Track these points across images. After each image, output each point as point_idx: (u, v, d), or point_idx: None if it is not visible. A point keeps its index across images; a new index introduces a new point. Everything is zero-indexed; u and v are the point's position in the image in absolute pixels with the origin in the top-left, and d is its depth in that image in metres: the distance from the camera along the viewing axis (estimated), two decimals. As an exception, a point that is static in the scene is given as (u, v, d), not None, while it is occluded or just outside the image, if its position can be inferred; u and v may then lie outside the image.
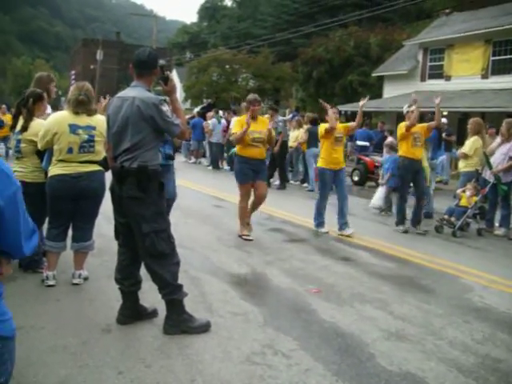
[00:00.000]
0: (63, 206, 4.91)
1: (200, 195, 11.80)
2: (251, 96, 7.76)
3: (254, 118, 7.54)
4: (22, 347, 3.68)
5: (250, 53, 40.48)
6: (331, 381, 3.48)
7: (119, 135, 4.02)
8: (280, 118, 14.25)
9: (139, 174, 3.94)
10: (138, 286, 4.30)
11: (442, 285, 5.85)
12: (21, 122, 5.15)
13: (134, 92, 4.01)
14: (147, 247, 4.01)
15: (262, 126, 7.68)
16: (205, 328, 4.17)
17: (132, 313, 4.27)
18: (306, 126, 13.76)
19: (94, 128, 4.88)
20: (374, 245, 7.58)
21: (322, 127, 8.27)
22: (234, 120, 10.60)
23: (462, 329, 4.56)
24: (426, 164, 9.41)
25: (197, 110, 24.81)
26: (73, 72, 73.81)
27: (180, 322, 4.12)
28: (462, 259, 7.02)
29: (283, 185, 13.92)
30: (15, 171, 5.16)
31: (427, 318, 4.76)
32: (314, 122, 13.40)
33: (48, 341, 3.85)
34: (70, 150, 4.81)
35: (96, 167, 4.94)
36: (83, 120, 4.84)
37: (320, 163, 8.47)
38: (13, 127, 5.26)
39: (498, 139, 9.39)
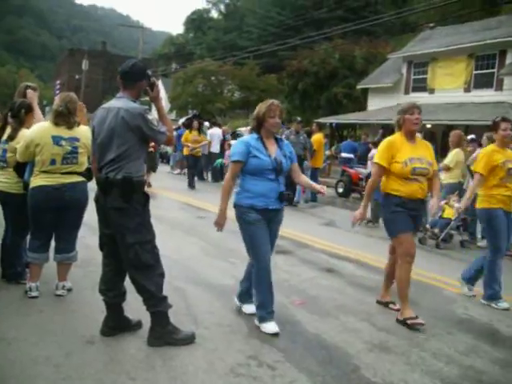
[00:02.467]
0: (45, 217, 4.85)
1: (184, 206, 11.78)
2: (410, 104, 5.20)
3: (410, 137, 5.13)
4: (5, 360, 3.66)
5: (235, 64, 40.66)
6: (316, 392, 3.48)
7: (104, 146, 4.00)
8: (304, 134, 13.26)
9: (124, 184, 3.93)
10: (123, 297, 4.28)
11: (425, 296, 5.89)
12: (7, 131, 5.13)
13: (119, 103, 4.01)
14: (131, 258, 3.99)
15: (425, 151, 5.19)
16: (190, 340, 4.16)
17: (116, 324, 4.24)
18: None
19: (77, 140, 4.84)
20: (359, 256, 7.61)
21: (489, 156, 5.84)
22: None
23: (446, 340, 4.59)
24: None
25: (182, 120, 24.83)
26: (58, 82, 73.38)
27: (164, 334, 4.10)
28: (445, 271, 7.08)
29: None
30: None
31: (411, 330, 4.78)
32: (308, 135, 13.49)
33: (30, 353, 3.81)
34: (53, 162, 4.77)
35: (79, 178, 4.91)
36: (66, 131, 4.80)
37: (485, 203, 5.88)
38: None
39: (478, 150, 9.48)
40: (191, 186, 15.27)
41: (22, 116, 5.12)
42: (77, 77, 54.59)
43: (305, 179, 4.99)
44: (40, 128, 4.85)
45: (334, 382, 3.66)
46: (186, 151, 16.18)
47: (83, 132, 4.89)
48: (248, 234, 4.60)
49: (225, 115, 38.29)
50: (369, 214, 10.56)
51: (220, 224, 4.64)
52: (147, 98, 4.22)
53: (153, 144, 12.81)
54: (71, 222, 5.03)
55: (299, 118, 13.90)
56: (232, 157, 4.57)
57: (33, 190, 4.81)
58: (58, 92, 69.57)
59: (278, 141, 4.66)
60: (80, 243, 5.31)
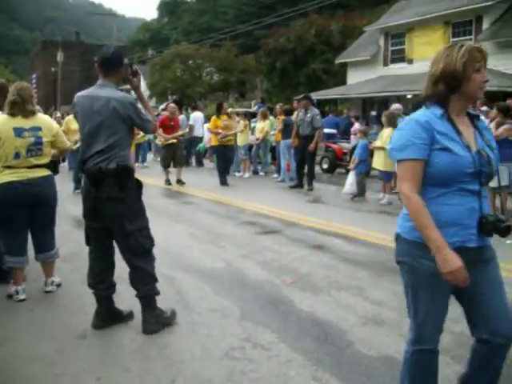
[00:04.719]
0: (16, 215, 4.63)
1: (169, 193, 11.73)
2: None
3: None
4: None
5: (212, 47, 40.34)
6: (311, 370, 3.48)
7: (91, 137, 3.94)
8: (316, 110, 12.33)
9: (118, 173, 3.90)
10: (113, 289, 4.25)
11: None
12: None
13: (105, 92, 3.93)
14: (132, 245, 3.99)
15: None
16: (174, 315, 4.28)
17: (107, 316, 4.21)
18: (280, 117, 13.70)
19: (40, 129, 4.65)
20: (347, 231, 7.62)
21: None
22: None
23: (438, 309, 4.60)
24: None
25: (162, 107, 24.62)
26: (34, 75, 72.43)
27: (158, 317, 4.13)
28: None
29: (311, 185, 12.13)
30: None
31: (403, 301, 4.74)
32: (288, 113, 13.42)
33: (24, 352, 3.77)
34: (17, 155, 4.55)
35: (46, 172, 4.74)
36: (26, 122, 4.60)
37: None
38: None
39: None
40: (224, 182, 12.66)
41: None
42: (53, 69, 53.73)
43: None
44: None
45: (329, 358, 3.67)
46: (214, 140, 13.17)
47: (46, 122, 4.73)
48: (416, 291, 2.65)
49: (205, 99, 38.04)
50: (355, 189, 10.59)
51: (455, 276, 2.41)
52: (127, 86, 4.17)
53: (176, 134, 12.63)
54: (45, 220, 4.85)
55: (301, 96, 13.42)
56: (400, 152, 2.52)
57: (0, 188, 4.57)
58: (34, 86, 68.64)
59: (472, 119, 2.67)
60: (66, 237, 5.29)
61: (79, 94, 4.13)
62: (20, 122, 4.58)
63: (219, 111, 13.27)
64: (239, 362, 3.60)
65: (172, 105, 13.48)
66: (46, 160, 4.74)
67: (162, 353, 3.76)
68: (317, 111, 12.20)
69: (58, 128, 4.93)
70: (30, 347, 3.85)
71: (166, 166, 12.76)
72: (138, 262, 4.07)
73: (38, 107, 8.16)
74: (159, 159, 16.91)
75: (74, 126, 10.47)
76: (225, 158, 13.06)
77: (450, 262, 2.37)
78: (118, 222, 3.96)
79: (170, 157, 12.60)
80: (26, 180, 4.58)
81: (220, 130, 12.84)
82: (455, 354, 3.71)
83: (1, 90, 5.33)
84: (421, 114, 2.57)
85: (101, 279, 4.17)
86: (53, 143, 4.78)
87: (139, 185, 4.09)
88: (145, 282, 4.10)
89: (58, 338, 4.00)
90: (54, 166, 4.87)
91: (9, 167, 4.57)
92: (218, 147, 12.96)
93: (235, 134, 13.80)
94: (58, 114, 17.80)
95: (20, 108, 4.57)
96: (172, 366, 3.54)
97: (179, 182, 12.57)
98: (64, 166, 13.53)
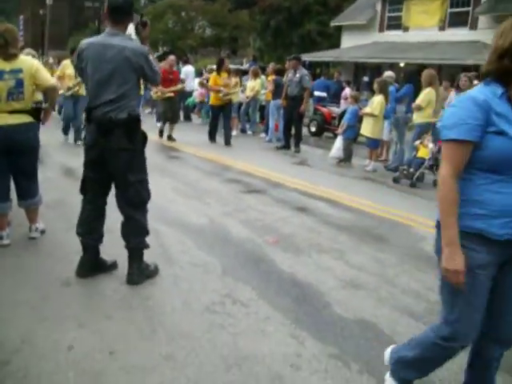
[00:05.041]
0: None
1: (158, 147, 11.68)
2: None
3: None
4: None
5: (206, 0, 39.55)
6: (290, 328, 3.58)
7: (101, 85, 3.90)
8: (305, 71, 12.30)
9: (128, 123, 3.93)
10: (101, 239, 4.31)
11: (396, 234, 6.02)
12: None
13: (118, 40, 3.89)
14: (131, 196, 4.06)
15: None
16: (157, 270, 4.39)
17: (92, 266, 4.26)
18: (271, 77, 13.59)
19: (21, 71, 4.52)
20: (332, 195, 7.70)
21: None
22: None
23: (415, 277, 4.73)
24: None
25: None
26: (21, 17, 70.65)
27: (143, 270, 4.22)
28: (416, 210, 7.21)
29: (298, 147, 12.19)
30: None
31: (382, 267, 4.91)
32: (279, 73, 13.33)
33: (8, 296, 3.82)
34: None
35: (28, 118, 4.64)
36: (6, 64, 4.47)
37: None
38: None
39: (453, 92, 9.55)
40: (213, 139, 12.65)
41: None
42: (41, 12, 52.32)
43: None
44: None
45: (306, 317, 3.77)
46: (214, 99, 12.59)
47: (26, 63, 4.59)
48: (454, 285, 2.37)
49: (196, 53, 37.51)
50: (342, 153, 10.64)
51: (456, 276, 2.32)
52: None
53: (175, 89, 12.25)
54: (26, 167, 4.78)
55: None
56: (448, 130, 2.33)
57: None
58: (21, 28, 66.93)
59: None
60: (51, 185, 5.28)
61: (88, 40, 4.05)
62: (1, 64, 4.46)
63: (220, 68, 12.62)
64: (219, 317, 3.69)
65: (172, 57, 12.85)
66: (28, 104, 4.63)
67: (145, 304, 3.84)
68: (305, 71, 12.21)
69: (39, 66, 4.72)
70: (14, 292, 3.89)
71: (166, 120, 12.37)
72: (134, 213, 4.13)
73: (31, 51, 8.04)
74: (152, 112, 16.88)
75: (70, 71, 10.30)
76: (218, 116, 12.66)
77: (457, 261, 2.28)
78: (122, 173, 4.01)
79: (169, 111, 12.16)
80: (5, 125, 4.50)
81: (222, 88, 12.33)
82: (428, 321, 3.82)
83: None
84: (479, 91, 2.32)
85: (91, 229, 4.22)
86: (36, 84, 4.63)
87: (145, 137, 4.13)
88: (137, 234, 4.17)
89: (42, 284, 4.05)
90: (37, 113, 4.78)
91: None
92: (216, 106, 12.50)
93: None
94: (51, 60, 17.08)
95: (3, 50, 4.45)
96: (153, 318, 3.62)
97: (170, 138, 12.34)
98: (54, 114, 13.28)
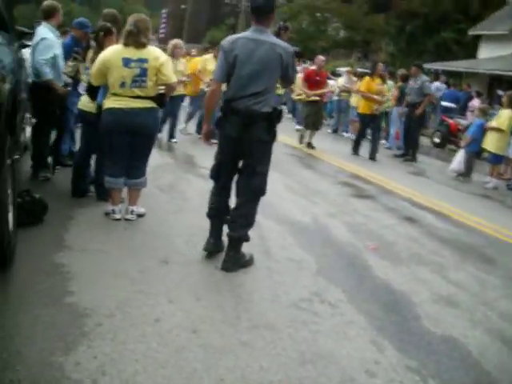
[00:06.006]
0: (116, 139, 4.89)
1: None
2: None
3: None
4: (88, 269, 3.97)
5: (343, 1, 39.30)
6: (372, 335, 3.54)
7: (250, 78, 4.09)
8: (426, 77, 12.13)
9: (272, 117, 4.15)
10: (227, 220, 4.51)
11: (505, 256, 5.72)
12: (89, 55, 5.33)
13: (268, 37, 4.11)
14: (256, 185, 4.28)
15: None
16: (252, 260, 4.48)
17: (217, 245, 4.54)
18: (398, 83, 13.35)
19: (145, 61, 4.78)
20: (443, 209, 7.44)
21: None
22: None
23: (517, 302, 4.49)
24: None
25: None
26: (164, 11, 74.20)
27: (238, 259, 4.35)
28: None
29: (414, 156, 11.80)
30: (88, 102, 5.30)
31: (482, 288, 4.70)
32: (406, 80, 13.02)
33: (111, 265, 4.09)
34: (123, 84, 4.77)
35: (150, 103, 4.89)
36: (135, 53, 4.76)
37: None
38: (81, 60, 5.40)
39: None
40: (356, 151, 11.45)
41: (100, 39, 5.27)
42: (182, 6, 54.77)
43: None
44: (111, 50, 4.86)
45: (392, 327, 3.70)
46: (364, 106, 11.24)
47: (152, 53, 4.84)
48: None
49: (328, 54, 37.46)
50: (462, 167, 10.22)
51: None
52: None
53: (322, 92, 11.48)
54: (140, 148, 5.04)
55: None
56: None
57: (104, 112, 4.90)
58: (164, 21, 70.37)
59: None
60: (169, 170, 5.54)
61: (237, 36, 4.25)
62: (129, 52, 4.76)
63: (373, 71, 11.57)
64: (304, 313, 3.72)
65: (321, 57, 11.72)
66: (150, 93, 4.88)
67: (234, 290, 3.96)
68: (426, 78, 12.01)
69: (167, 61, 4.99)
70: (116, 262, 4.16)
71: (308, 126, 11.40)
72: (251, 203, 4.34)
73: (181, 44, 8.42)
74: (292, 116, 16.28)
75: (211, 67, 10.38)
76: (367, 128, 11.62)
77: None
78: (254, 162, 4.22)
79: (313, 116, 11.14)
80: (127, 108, 4.81)
81: (375, 97, 11.02)
82: None
83: (114, 21, 5.63)
84: None
85: (221, 211, 4.46)
86: (157, 76, 4.86)
87: (276, 132, 4.31)
88: (244, 224, 4.35)
89: (142, 259, 4.29)
90: (160, 99, 5.03)
91: (115, 95, 4.84)
92: (367, 116, 11.25)
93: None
94: (193, 52, 17.31)
95: (134, 39, 4.76)
96: (240, 304, 3.73)
97: (309, 145, 11.47)
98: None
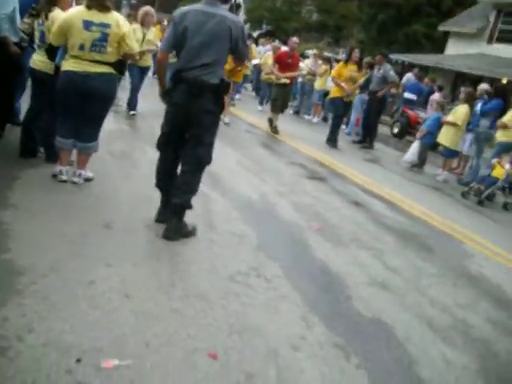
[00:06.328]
0: (70, 101, 4.80)
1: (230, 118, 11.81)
2: None
3: None
4: (29, 228, 3.91)
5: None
6: (303, 311, 3.62)
7: (199, 49, 4.10)
8: (389, 66, 12.03)
9: (218, 88, 4.17)
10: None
11: (444, 247, 5.89)
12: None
13: (218, 10, 4.11)
14: (201, 155, 4.29)
15: None
16: (195, 231, 4.50)
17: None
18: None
19: (108, 26, 4.69)
20: (393, 198, 7.58)
21: None
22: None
23: (448, 291, 4.63)
24: None
25: (255, 35, 24.37)
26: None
27: (181, 228, 4.37)
28: (475, 228, 6.99)
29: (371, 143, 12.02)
30: (40, 61, 5.16)
31: (417, 275, 4.83)
32: (372, 67, 13.08)
33: (52, 227, 4.04)
34: (82, 47, 4.67)
35: (107, 69, 4.81)
36: (99, 16, 4.66)
37: None
38: (37, 16, 5.24)
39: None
40: (335, 142, 11.00)
41: None
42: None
43: None
44: (73, 11, 4.75)
45: (323, 305, 3.79)
46: (335, 91, 11.12)
47: (115, 19, 4.75)
48: None
49: (299, 36, 37.35)
50: (415, 158, 10.41)
51: None
52: None
53: (292, 74, 11.02)
54: (94, 113, 4.98)
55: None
56: None
57: (62, 74, 4.80)
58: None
59: None
60: (121, 137, 5.50)
61: (187, 8, 4.21)
62: (91, 15, 4.65)
63: (349, 57, 11.22)
64: (239, 286, 3.77)
65: (295, 39, 11.23)
66: (109, 59, 4.79)
67: (173, 259, 3.97)
68: (389, 67, 12.04)
69: (130, 30, 4.92)
70: (59, 224, 4.11)
71: (276, 109, 10.99)
72: (195, 172, 4.34)
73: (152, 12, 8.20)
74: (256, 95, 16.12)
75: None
76: (343, 114, 11.56)
77: None
78: (200, 132, 4.23)
79: (280, 99, 10.80)
80: (82, 72, 4.71)
81: (343, 84, 10.81)
82: (446, 336, 3.77)
83: None
84: None
85: (170, 177, 4.45)
86: (120, 44, 4.80)
87: (223, 103, 4.32)
88: (187, 191, 4.34)
89: (85, 222, 4.25)
90: (120, 66, 4.96)
91: (74, 57, 4.73)
92: (337, 100, 11.06)
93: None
94: (165, 23, 16.78)
95: (98, 1, 4.64)
96: (176, 273, 3.75)
97: (275, 129, 11.03)
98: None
